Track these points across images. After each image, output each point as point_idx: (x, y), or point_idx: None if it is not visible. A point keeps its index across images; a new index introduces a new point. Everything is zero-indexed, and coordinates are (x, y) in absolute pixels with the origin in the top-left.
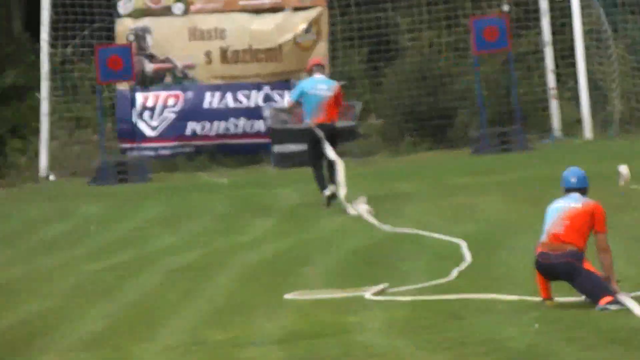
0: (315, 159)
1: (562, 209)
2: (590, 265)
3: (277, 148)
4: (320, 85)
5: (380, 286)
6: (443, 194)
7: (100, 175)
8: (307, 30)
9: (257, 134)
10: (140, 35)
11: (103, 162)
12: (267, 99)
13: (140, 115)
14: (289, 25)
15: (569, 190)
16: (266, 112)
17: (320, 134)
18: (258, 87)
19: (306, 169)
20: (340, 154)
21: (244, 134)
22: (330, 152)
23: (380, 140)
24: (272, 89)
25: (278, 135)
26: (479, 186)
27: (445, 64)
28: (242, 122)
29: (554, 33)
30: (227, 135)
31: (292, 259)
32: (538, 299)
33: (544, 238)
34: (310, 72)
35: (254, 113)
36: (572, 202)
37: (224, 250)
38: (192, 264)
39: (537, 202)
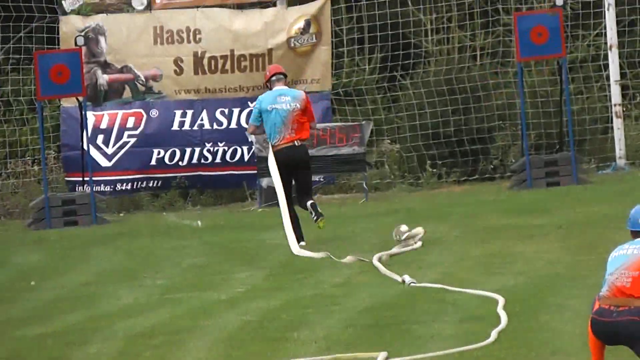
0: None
1: (629, 256)
2: None
3: (266, 181)
4: (282, 97)
5: (381, 355)
6: (474, 239)
7: (42, 217)
8: (304, 31)
9: (241, 164)
10: (91, 38)
11: (46, 199)
12: None
13: (93, 140)
14: (281, 24)
15: (637, 234)
16: (251, 136)
17: (276, 175)
18: (242, 103)
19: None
20: (346, 189)
21: (224, 164)
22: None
23: (396, 171)
24: None
25: (266, 165)
26: (520, 230)
27: (480, 73)
28: (221, 148)
29: (620, 33)
30: (203, 165)
31: (284, 321)
32: None
33: (604, 291)
34: (268, 84)
35: (236, 137)
36: None
37: (198, 310)
38: (157, 328)
39: (594, 250)
